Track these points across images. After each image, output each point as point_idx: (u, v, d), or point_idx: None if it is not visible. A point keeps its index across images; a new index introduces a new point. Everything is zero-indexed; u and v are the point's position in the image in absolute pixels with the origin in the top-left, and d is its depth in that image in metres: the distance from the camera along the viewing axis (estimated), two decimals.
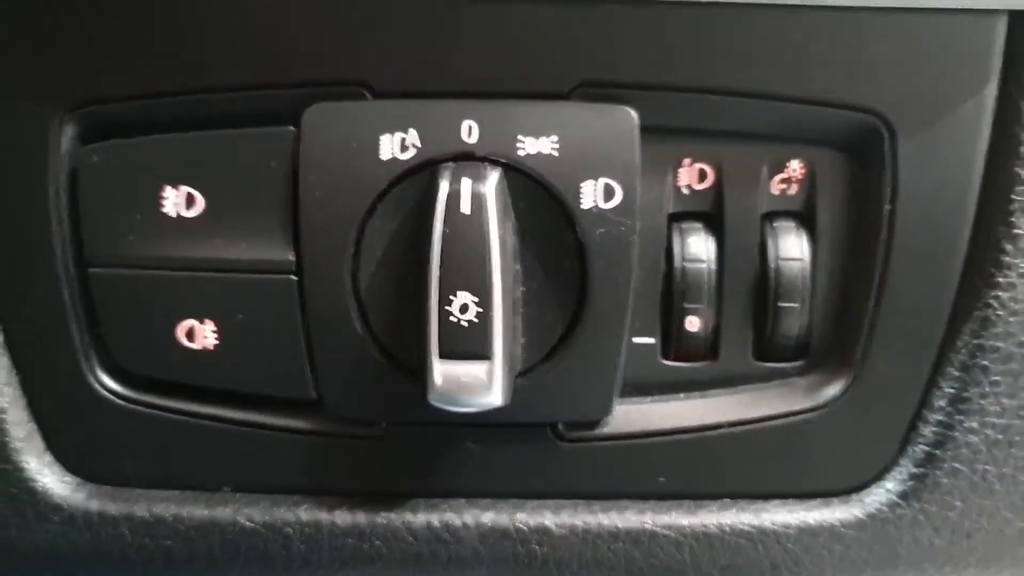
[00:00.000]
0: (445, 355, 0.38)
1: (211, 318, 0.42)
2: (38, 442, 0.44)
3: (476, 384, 0.38)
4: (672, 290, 0.42)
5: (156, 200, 0.41)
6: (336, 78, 0.40)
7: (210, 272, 0.41)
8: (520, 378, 0.41)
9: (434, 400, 0.38)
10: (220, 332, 0.42)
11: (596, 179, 0.39)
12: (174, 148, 0.41)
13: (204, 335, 0.42)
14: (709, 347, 0.43)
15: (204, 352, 0.42)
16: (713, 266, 0.42)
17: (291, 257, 0.41)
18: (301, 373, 0.42)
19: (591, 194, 0.39)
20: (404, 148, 0.39)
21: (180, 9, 0.39)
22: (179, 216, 0.41)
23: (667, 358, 0.43)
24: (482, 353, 0.38)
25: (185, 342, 0.42)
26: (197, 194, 0.41)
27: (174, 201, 0.41)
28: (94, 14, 0.39)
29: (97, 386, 0.43)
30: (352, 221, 0.40)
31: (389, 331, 0.41)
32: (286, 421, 0.43)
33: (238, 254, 0.41)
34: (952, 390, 0.42)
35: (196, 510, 0.44)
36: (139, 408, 0.43)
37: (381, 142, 0.39)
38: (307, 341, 0.41)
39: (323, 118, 0.40)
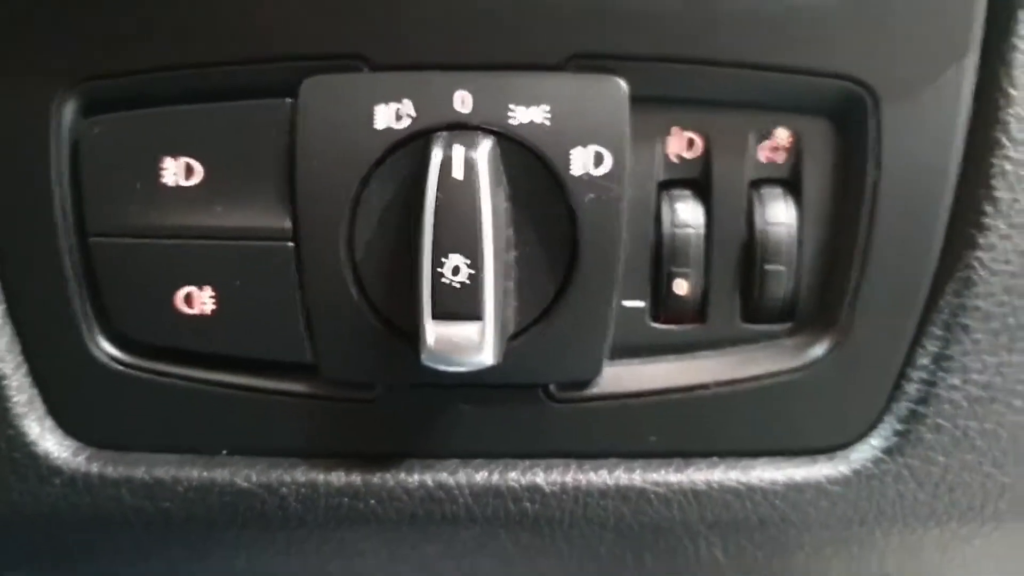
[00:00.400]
0: (438, 316, 0.39)
1: (209, 284, 0.42)
2: (40, 408, 0.45)
3: (468, 344, 0.39)
4: (661, 255, 0.43)
5: (156, 170, 0.42)
6: (333, 51, 0.40)
7: (208, 240, 0.42)
8: (512, 340, 0.42)
9: (427, 360, 0.39)
10: (218, 298, 0.42)
11: (586, 146, 0.40)
12: (174, 120, 0.42)
13: (202, 301, 0.42)
14: (697, 310, 0.44)
15: (202, 318, 0.43)
16: (701, 231, 0.43)
17: (288, 225, 0.41)
18: (297, 337, 0.43)
19: (581, 161, 0.40)
20: (399, 118, 0.40)
21: None
22: (178, 185, 0.42)
23: (656, 321, 0.44)
24: (474, 314, 0.39)
25: (184, 308, 0.42)
26: (196, 164, 0.42)
27: (173, 171, 0.42)
28: None
29: (98, 353, 0.44)
30: (348, 189, 0.41)
31: (384, 296, 0.42)
32: (282, 385, 0.44)
33: (236, 222, 0.42)
34: (935, 348, 0.43)
35: (194, 472, 0.45)
36: (139, 374, 0.44)
37: (376, 112, 0.40)
38: (303, 306, 0.42)
39: (320, 90, 0.40)
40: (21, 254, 0.43)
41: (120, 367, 0.44)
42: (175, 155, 0.42)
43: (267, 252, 0.42)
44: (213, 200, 0.42)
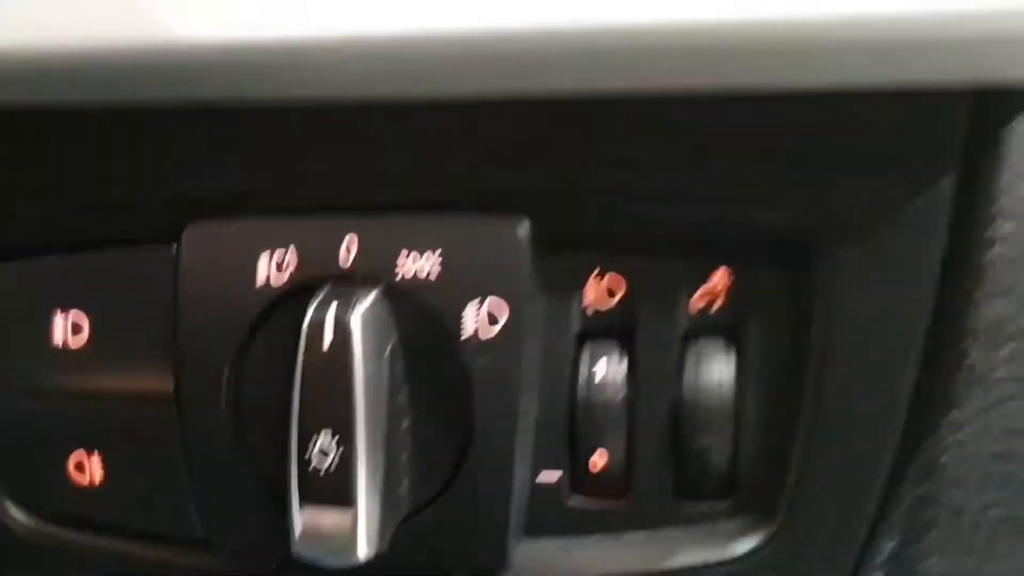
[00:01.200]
0: (307, 501, 0.35)
1: (98, 451, 0.40)
2: None
3: (338, 534, 0.34)
4: (577, 421, 0.37)
5: (44, 326, 0.40)
6: (219, 191, 0.37)
7: (95, 402, 0.39)
8: (405, 523, 0.37)
9: (296, 551, 0.35)
10: (106, 466, 0.40)
11: (481, 300, 0.35)
12: (62, 270, 0.40)
13: (93, 468, 0.40)
14: (622, 483, 0.38)
15: (92, 486, 0.40)
16: (622, 395, 0.37)
17: (170, 387, 0.38)
18: (185, 509, 0.39)
19: (473, 318, 0.35)
20: (281, 270, 0.36)
21: (64, 126, 0.37)
22: (65, 345, 0.39)
23: (579, 493, 0.38)
24: (344, 499, 0.34)
25: (75, 474, 0.40)
26: (83, 320, 0.39)
27: (61, 328, 0.39)
28: None
29: (5, 517, 0.42)
30: (228, 349, 0.37)
31: (273, 464, 0.37)
32: (178, 558, 0.41)
33: (120, 384, 0.39)
34: (895, 545, 0.35)
35: None
36: (45, 541, 0.42)
37: (258, 264, 0.37)
38: (189, 475, 0.39)
39: (201, 236, 0.37)
40: None
41: (29, 533, 0.42)
42: (64, 309, 0.39)
43: (151, 416, 0.39)
44: (99, 359, 0.39)
